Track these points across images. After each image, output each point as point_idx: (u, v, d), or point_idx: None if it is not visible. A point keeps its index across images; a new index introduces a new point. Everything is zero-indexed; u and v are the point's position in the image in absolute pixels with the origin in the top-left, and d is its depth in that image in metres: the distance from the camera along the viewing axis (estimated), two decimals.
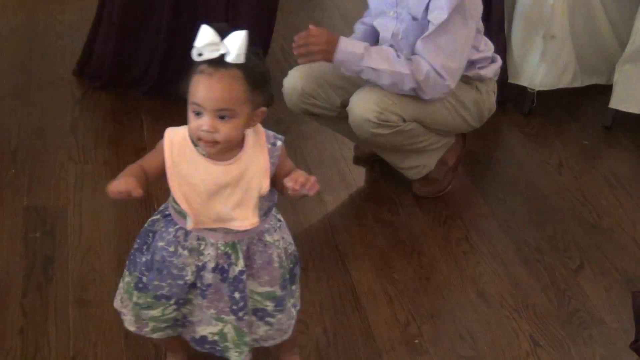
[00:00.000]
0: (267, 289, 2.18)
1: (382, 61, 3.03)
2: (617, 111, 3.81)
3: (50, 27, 4.43)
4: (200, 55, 1.91)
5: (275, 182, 2.09)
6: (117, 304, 2.30)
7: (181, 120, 2.01)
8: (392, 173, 3.47)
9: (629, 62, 3.70)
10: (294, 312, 2.33)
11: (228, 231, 2.07)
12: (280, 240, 2.18)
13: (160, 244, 2.12)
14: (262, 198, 2.06)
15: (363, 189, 3.27)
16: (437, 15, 2.98)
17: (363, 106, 3.08)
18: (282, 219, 2.23)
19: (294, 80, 3.25)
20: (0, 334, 2.58)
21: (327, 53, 3.01)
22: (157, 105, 3.83)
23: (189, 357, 2.46)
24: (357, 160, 3.58)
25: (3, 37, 4.33)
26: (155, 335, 2.28)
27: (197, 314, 2.20)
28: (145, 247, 2.18)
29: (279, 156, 2.08)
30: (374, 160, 3.50)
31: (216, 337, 2.21)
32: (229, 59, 1.90)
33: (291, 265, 2.25)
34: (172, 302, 2.17)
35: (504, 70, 3.85)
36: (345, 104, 3.20)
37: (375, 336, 2.70)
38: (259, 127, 2.07)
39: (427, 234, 3.19)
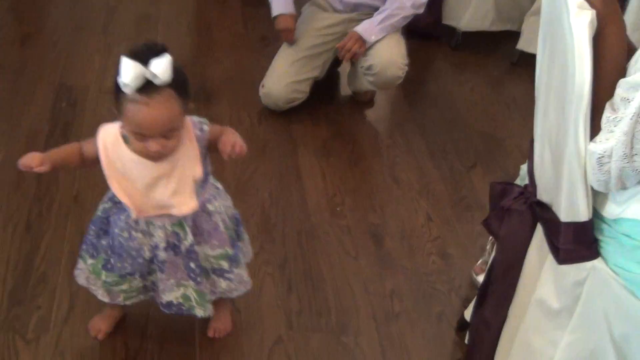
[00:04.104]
0: (219, 251, 1.75)
1: (393, 18, 2.73)
2: (522, 52, 3.47)
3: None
4: (126, 86, 1.41)
5: (211, 148, 1.63)
6: (82, 282, 1.82)
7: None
8: (340, 86, 3.18)
9: (535, 15, 3.36)
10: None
11: (171, 216, 1.65)
12: (222, 206, 1.73)
13: (116, 230, 1.68)
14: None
15: (317, 95, 2.96)
16: None
17: (393, 68, 2.77)
18: (220, 186, 1.75)
19: (277, 91, 2.81)
20: (21, 177, 2.36)
21: (362, 45, 2.73)
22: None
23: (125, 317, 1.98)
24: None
25: None
26: (128, 302, 1.84)
27: (161, 284, 1.76)
28: (101, 232, 1.73)
29: (208, 137, 1.60)
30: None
31: (180, 300, 1.78)
32: (159, 82, 1.42)
33: (235, 227, 1.81)
34: (136, 275, 1.76)
35: (439, 12, 3.52)
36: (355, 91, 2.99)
37: (307, 202, 2.47)
38: (186, 119, 1.56)
39: (362, 130, 2.92)
